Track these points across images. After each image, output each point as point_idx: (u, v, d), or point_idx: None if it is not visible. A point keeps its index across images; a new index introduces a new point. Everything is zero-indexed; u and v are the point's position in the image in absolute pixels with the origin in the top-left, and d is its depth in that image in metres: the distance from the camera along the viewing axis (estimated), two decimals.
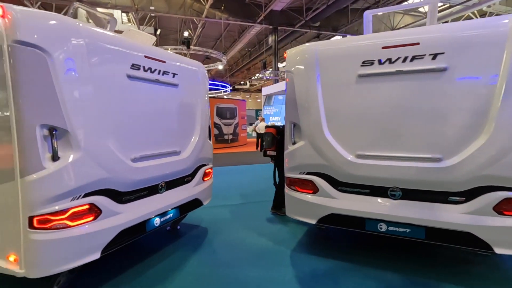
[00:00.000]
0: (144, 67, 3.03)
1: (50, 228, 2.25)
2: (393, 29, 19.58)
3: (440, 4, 12.68)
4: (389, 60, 2.79)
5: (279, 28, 19.45)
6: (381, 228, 2.93)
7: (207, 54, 20.77)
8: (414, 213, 2.77)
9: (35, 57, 2.16)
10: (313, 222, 3.26)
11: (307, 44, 3.35)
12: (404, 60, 2.73)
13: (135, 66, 2.93)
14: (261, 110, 25.70)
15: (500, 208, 2.48)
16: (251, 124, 23.59)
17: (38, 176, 2.17)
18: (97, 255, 2.54)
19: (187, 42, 17.22)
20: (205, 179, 4.04)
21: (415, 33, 2.77)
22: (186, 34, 20.87)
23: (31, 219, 2.19)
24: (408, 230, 2.81)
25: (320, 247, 3.67)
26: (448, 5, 14.78)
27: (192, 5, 16.76)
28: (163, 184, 3.28)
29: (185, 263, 3.34)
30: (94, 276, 3.05)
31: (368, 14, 3.86)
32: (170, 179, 3.39)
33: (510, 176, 2.41)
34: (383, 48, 2.81)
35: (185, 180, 3.65)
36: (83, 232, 2.43)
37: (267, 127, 5.18)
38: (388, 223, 2.88)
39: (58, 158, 2.27)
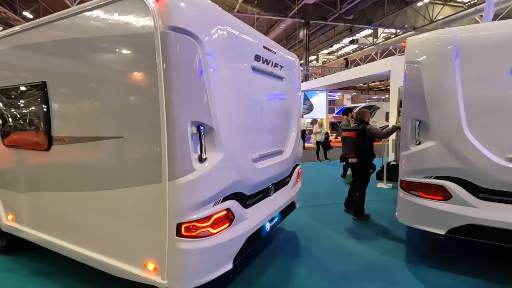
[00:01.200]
0: (263, 58, 2.75)
1: (196, 236, 2.02)
2: (431, 21, 18.65)
3: None
4: None
5: (310, 22, 18.93)
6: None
7: None
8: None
9: (189, 45, 1.91)
10: (441, 232, 2.91)
11: (439, 31, 2.97)
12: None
13: (257, 58, 2.66)
14: None
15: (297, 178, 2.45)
16: None
17: (188, 179, 1.93)
18: (230, 265, 2.30)
19: None
20: (298, 180, 3.76)
21: None
22: None
23: (179, 226, 1.96)
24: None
25: (436, 259, 3.31)
26: None
27: (225, 0, 16.50)
28: (272, 186, 3.02)
29: (294, 273, 3.06)
30: None
31: None
32: (276, 180, 3.12)
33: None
34: None
35: (285, 182, 3.38)
36: (221, 240, 2.19)
37: (345, 130, 4.56)
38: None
39: (205, 159, 2.03)
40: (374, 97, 38.22)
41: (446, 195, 2.87)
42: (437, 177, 2.91)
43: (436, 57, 2.85)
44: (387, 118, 17.61)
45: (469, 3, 17.51)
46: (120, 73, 2.10)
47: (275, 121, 3.15)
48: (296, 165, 3.67)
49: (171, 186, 1.92)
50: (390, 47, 24.03)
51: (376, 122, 17.02)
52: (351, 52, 27.32)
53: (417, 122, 2.99)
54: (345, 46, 26.15)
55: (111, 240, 2.30)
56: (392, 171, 7.08)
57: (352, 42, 23.60)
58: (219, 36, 2.12)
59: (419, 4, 18.12)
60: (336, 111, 22.04)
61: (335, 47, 27.07)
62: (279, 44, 3.13)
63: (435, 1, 18.59)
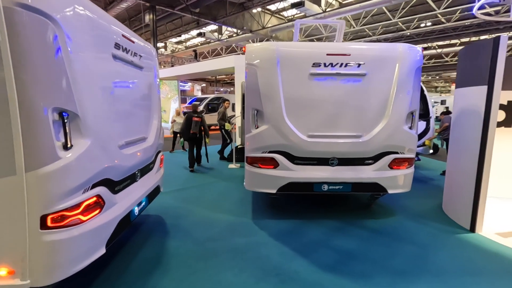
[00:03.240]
0: (122, 47, 2.82)
1: (65, 226, 1.99)
2: (263, 27, 22.28)
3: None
4: (331, 64, 3.80)
5: (157, 7, 18.29)
6: (324, 188, 3.99)
7: None
8: (346, 174, 3.97)
9: (40, 24, 1.80)
10: (274, 191, 3.99)
11: (268, 43, 3.94)
12: (341, 65, 3.80)
13: (117, 46, 2.71)
14: None
15: (391, 165, 3.98)
16: None
17: (52, 168, 1.88)
18: (103, 250, 2.37)
19: None
20: (161, 165, 4.01)
21: (347, 47, 3.87)
22: None
23: (44, 218, 1.88)
24: (341, 187, 4.00)
25: (277, 212, 4.47)
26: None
27: None
28: (138, 172, 3.16)
29: (166, 247, 3.38)
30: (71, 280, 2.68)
31: (297, 23, 4.80)
32: (142, 166, 3.29)
33: (397, 145, 3.92)
34: (327, 54, 3.79)
35: (150, 167, 3.58)
36: (93, 226, 2.23)
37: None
38: (329, 183, 3.98)
39: (71, 146, 2.00)
40: (221, 89, 41.52)
41: (275, 164, 3.95)
42: (270, 152, 3.94)
43: (266, 62, 3.80)
44: (233, 109, 19.84)
45: (288, 18, 22.04)
46: None
47: (138, 109, 3.26)
48: (159, 152, 3.89)
49: (30, 177, 1.81)
50: (233, 45, 26.84)
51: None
52: (199, 44, 28.44)
53: (256, 111, 3.89)
54: (193, 37, 26.88)
55: None
56: (239, 153, 8.37)
57: (199, 35, 24.63)
58: (77, 16, 2.07)
59: (254, 10, 21.13)
60: (188, 101, 22.69)
61: (183, 37, 27.34)
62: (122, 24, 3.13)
63: (266, 11, 22.24)
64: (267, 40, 23.16)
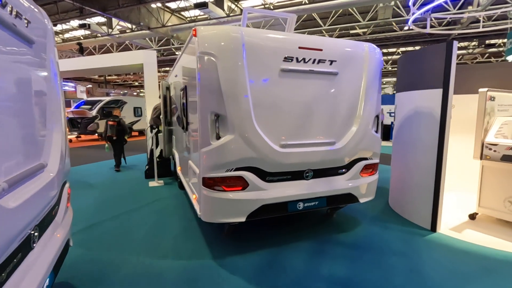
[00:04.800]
0: None
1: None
2: (163, 25, 20.30)
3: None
4: (304, 60, 3.20)
5: None
6: (299, 207, 3.35)
7: None
8: (321, 187, 3.44)
9: None
10: (242, 219, 3.09)
11: (227, 26, 3.01)
12: (313, 61, 3.25)
13: None
14: None
15: (361, 172, 3.69)
16: None
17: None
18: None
19: None
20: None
21: (319, 40, 3.33)
22: None
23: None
24: (316, 203, 3.44)
25: (239, 241, 3.53)
26: None
27: None
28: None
29: None
30: None
31: (245, 12, 4.03)
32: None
33: (368, 150, 3.65)
34: (300, 48, 3.16)
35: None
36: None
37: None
38: (305, 200, 3.36)
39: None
40: (113, 91, 36.41)
41: (244, 184, 3.06)
42: (236, 169, 3.02)
43: (229, 52, 2.88)
44: (135, 113, 17.28)
45: (189, 18, 20.78)
46: None
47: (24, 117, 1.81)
48: (64, 183, 2.42)
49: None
50: (127, 42, 23.57)
51: (125, 117, 16.18)
52: (82, 37, 23.81)
53: (216, 116, 2.91)
54: (74, 29, 22.27)
55: None
56: (161, 167, 6.92)
57: (83, 26, 20.54)
58: None
59: (153, 5, 19.03)
60: (74, 104, 18.44)
61: (60, 27, 22.31)
62: None
63: (165, 9, 20.36)
64: (167, 39, 21.38)
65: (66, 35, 24.27)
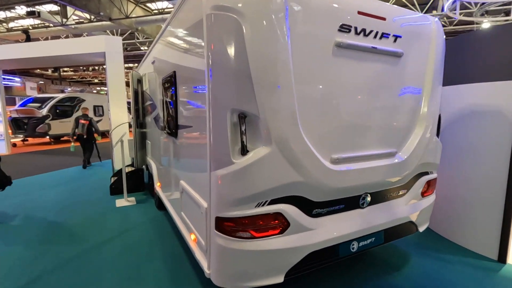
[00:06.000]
0: None
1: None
2: (127, 17, 18.22)
3: None
4: (364, 32, 2.13)
5: None
6: (353, 249, 2.28)
7: None
8: (379, 217, 2.40)
9: None
10: (279, 279, 1.95)
11: None
12: (375, 35, 2.20)
13: None
14: None
15: (424, 191, 2.73)
16: None
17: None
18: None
19: None
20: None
21: (381, 5, 2.27)
22: None
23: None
24: (373, 239, 2.40)
25: None
26: None
27: None
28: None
29: None
30: None
31: None
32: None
33: (431, 162, 2.69)
34: (359, 13, 2.09)
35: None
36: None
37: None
38: (360, 239, 2.31)
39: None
40: (69, 88, 32.92)
41: (283, 224, 1.92)
42: (272, 201, 1.87)
43: (267, 12, 1.72)
44: (95, 112, 15.20)
45: (156, 10, 18.90)
46: None
47: None
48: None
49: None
50: (85, 34, 21.01)
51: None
52: (30, 27, 20.79)
53: (241, 117, 1.74)
54: (21, 17, 19.32)
55: None
56: (132, 179, 5.52)
57: (31, 14, 17.81)
58: None
59: None
60: (19, 102, 15.71)
61: (2, 14, 19.21)
62: None
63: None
64: (131, 33, 19.41)
65: (11, 24, 21.11)
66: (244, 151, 1.75)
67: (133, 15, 17.55)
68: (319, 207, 2.08)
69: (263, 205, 1.84)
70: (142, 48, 21.79)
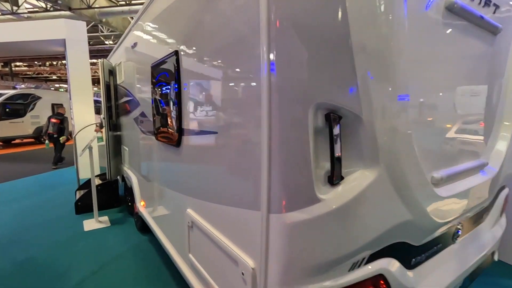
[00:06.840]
0: None
1: None
2: (89, 7, 16.39)
3: None
4: None
5: None
6: None
7: None
8: (471, 252, 1.77)
9: None
10: None
11: None
12: (480, 1, 1.55)
13: None
14: None
15: (502, 210, 2.15)
16: None
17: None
18: None
19: None
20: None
21: None
22: None
23: None
24: (461, 283, 1.76)
25: None
26: None
27: None
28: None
29: None
30: None
31: None
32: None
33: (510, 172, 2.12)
34: None
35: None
36: None
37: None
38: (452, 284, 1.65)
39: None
40: (23, 85, 29.65)
41: None
42: (370, 257, 1.13)
43: None
44: (53, 111, 13.42)
45: (121, 2, 17.22)
46: None
47: None
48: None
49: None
50: None
51: (39, 115, 12.41)
52: None
53: (332, 119, 0.98)
54: None
55: None
56: (103, 194, 4.48)
57: None
58: None
59: None
60: None
61: None
62: None
63: None
64: (94, 26, 17.61)
65: None
66: (334, 177, 0.99)
67: (96, 6, 15.85)
68: (419, 253, 1.39)
69: (359, 266, 1.10)
70: (107, 42, 19.98)
